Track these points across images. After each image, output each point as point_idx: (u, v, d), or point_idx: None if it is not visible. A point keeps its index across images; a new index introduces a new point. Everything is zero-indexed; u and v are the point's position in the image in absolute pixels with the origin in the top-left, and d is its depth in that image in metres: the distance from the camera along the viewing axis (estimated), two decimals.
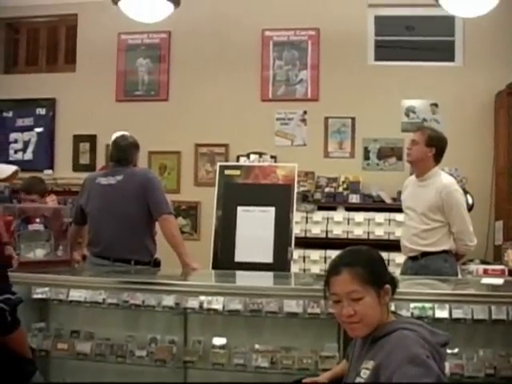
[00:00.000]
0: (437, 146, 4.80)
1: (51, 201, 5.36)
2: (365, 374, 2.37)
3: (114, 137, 5.04)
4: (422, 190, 4.79)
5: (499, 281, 4.11)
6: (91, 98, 8.07)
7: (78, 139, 8.21)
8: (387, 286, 2.46)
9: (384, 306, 2.46)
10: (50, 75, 8.42)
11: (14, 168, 2.98)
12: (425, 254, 4.70)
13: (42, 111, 8.34)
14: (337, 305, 2.45)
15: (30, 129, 8.37)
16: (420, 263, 4.69)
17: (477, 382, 3.34)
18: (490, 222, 7.16)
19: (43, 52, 8.63)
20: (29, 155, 8.27)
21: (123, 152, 4.92)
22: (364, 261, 2.46)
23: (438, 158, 4.83)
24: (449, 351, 2.82)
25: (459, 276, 4.85)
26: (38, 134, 8.34)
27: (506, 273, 4.95)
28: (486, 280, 4.16)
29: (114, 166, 4.98)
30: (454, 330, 2.66)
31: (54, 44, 8.61)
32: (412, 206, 4.85)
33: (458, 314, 3.44)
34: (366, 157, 7.63)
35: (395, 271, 4.84)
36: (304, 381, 2.75)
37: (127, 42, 8.20)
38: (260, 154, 7.57)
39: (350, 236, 6.84)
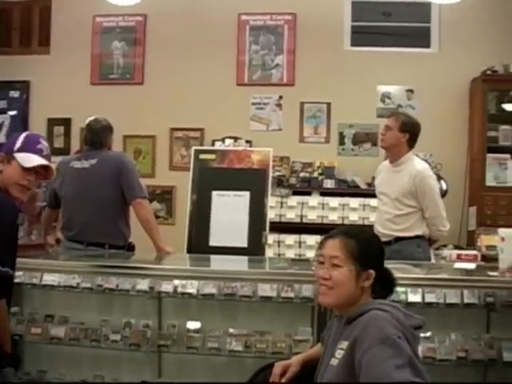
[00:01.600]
0: (410, 131, 4.82)
1: None
2: (339, 354, 2.40)
3: (87, 120, 5.00)
4: (396, 176, 4.80)
5: (472, 265, 4.15)
6: (66, 80, 7.98)
7: (52, 122, 8.13)
8: (371, 271, 2.49)
9: (362, 289, 2.49)
10: (24, 57, 8.28)
11: (42, 161, 3.00)
12: (398, 239, 4.72)
13: (15, 94, 8.24)
14: (320, 266, 2.55)
15: (3, 112, 8.26)
16: (393, 248, 4.69)
17: (449, 365, 3.37)
18: (464, 208, 7.22)
19: (16, 33, 8.48)
20: (2, 138, 8.12)
21: (97, 135, 4.88)
22: (360, 239, 2.55)
23: (411, 143, 4.85)
24: (421, 335, 2.84)
25: (432, 261, 4.89)
26: (12, 117, 8.24)
27: (479, 258, 4.98)
28: (458, 265, 4.19)
29: (87, 149, 4.95)
30: (426, 314, 2.67)
31: (27, 25, 8.46)
32: (385, 191, 4.86)
33: (430, 298, 3.46)
34: (341, 142, 7.65)
35: None
36: (276, 364, 2.75)
37: (102, 24, 8.11)
38: (235, 139, 7.57)
39: (325, 221, 6.86)
